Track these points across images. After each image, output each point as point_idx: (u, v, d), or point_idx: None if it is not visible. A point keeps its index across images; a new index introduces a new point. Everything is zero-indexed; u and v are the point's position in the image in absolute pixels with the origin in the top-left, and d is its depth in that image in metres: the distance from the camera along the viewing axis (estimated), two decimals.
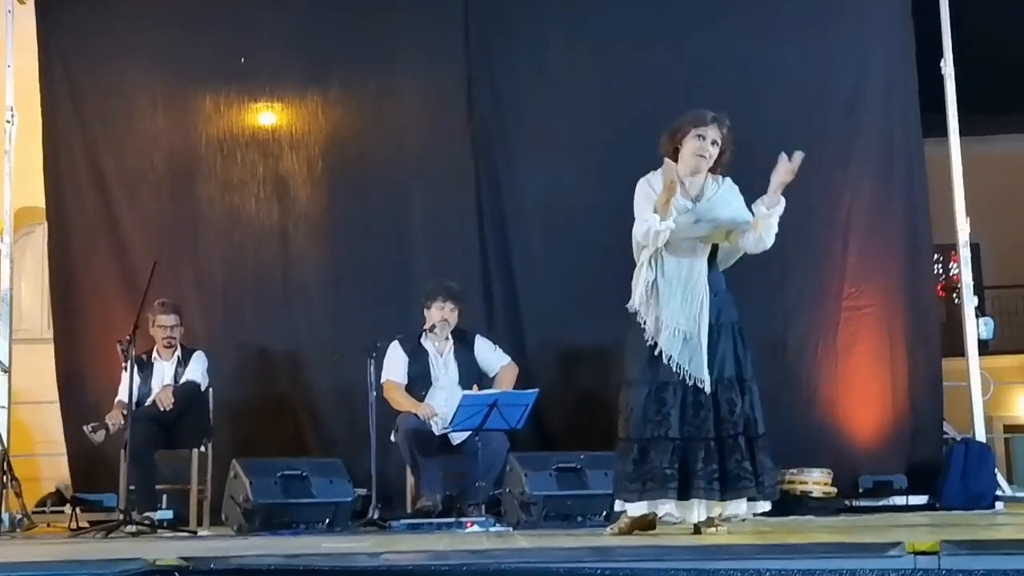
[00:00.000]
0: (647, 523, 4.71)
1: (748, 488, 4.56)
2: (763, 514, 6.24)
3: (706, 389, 4.58)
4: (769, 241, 4.76)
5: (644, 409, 4.60)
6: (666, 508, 4.59)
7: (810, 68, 7.75)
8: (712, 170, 4.82)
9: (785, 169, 4.74)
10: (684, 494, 4.55)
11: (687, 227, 4.67)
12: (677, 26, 7.77)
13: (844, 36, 7.78)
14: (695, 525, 4.63)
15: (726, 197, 4.79)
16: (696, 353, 4.59)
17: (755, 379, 4.73)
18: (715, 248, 4.80)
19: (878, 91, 7.70)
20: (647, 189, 4.75)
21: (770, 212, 4.72)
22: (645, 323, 4.65)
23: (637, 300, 4.67)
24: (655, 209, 4.61)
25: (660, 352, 4.60)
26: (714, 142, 4.77)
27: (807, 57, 7.76)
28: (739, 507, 4.61)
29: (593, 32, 7.72)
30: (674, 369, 4.58)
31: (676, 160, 4.80)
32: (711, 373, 4.59)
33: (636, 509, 4.64)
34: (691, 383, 4.58)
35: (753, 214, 4.76)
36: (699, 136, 4.76)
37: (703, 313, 4.63)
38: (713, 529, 4.58)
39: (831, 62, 7.77)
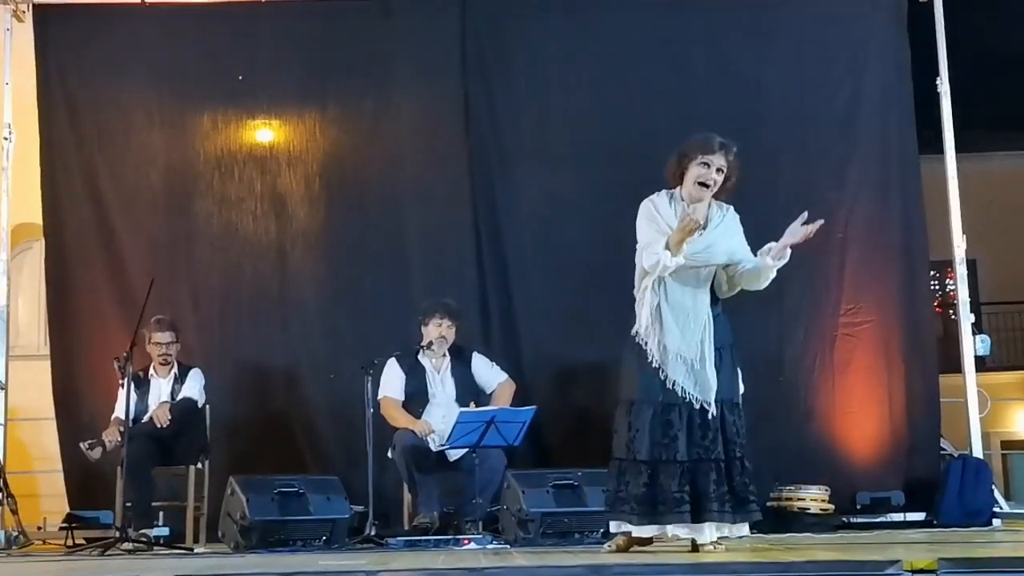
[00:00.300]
0: (644, 540, 4.71)
1: (755, 510, 4.63)
2: (758, 531, 6.31)
3: (712, 412, 4.59)
4: (764, 285, 4.79)
5: (651, 430, 4.60)
6: (677, 531, 4.60)
7: (807, 85, 7.77)
8: (716, 196, 4.81)
9: (801, 232, 4.74)
10: (697, 517, 4.55)
11: (690, 255, 4.67)
12: (673, 43, 7.79)
13: (840, 54, 7.81)
14: (692, 542, 4.62)
15: (730, 228, 4.81)
16: (702, 377, 4.61)
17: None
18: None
19: (874, 108, 7.72)
20: (651, 211, 4.75)
21: (775, 264, 4.72)
22: (647, 346, 4.66)
23: (643, 327, 4.68)
24: (667, 244, 4.62)
25: (663, 375, 4.62)
26: (719, 169, 4.76)
27: (804, 74, 7.78)
28: (743, 528, 4.65)
29: (589, 50, 7.74)
30: (679, 393, 4.60)
31: (681, 183, 4.80)
32: (717, 395, 4.62)
33: (643, 531, 4.63)
34: (697, 406, 4.60)
35: (755, 255, 4.76)
36: (704, 164, 4.75)
37: (707, 339, 4.65)
38: (711, 547, 4.58)
39: (828, 79, 7.78)
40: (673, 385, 4.60)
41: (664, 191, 4.86)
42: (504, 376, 6.70)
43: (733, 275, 4.80)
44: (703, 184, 4.73)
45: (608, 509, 4.79)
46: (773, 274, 4.76)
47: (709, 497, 4.54)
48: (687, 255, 4.65)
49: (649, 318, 4.67)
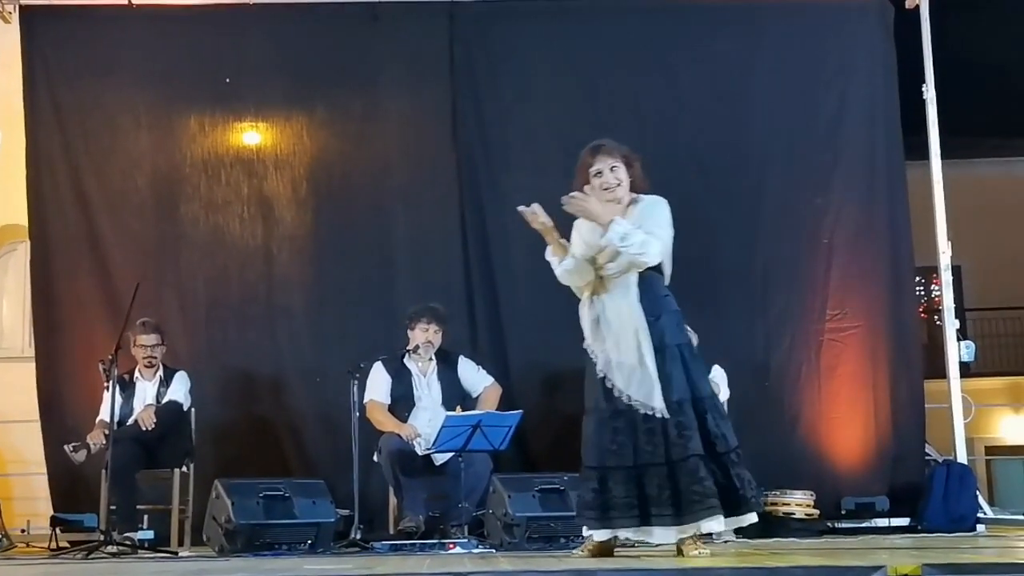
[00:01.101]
0: (611, 546, 4.76)
1: (707, 508, 4.51)
2: (744, 535, 6.31)
3: (657, 415, 4.59)
4: (629, 258, 4.65)
5: (599, 438, 4.66)
6: (626, 534, 4.65)
7: (793, 91, 7.80)
8: (635, 188, 4.79)
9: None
10: (645, 520, 4.59)
11: (609, 256, 4.67)
12: (661, 50, 7.83)
13: (827, 60, 7.85)
14: (677, 546, 4.61)
15: (640, 216, 4.71)
16: (644, 382, 4.60)
17: (714, 395, 4.78)
18: (649, 275, 4.74)
19: (860, 115, 7.76)
20: (580, 222, 4.79)
21: (608, 241, 4.63)
22: (594, 356, 4.71)
23: (588, 338, 4.75)
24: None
25: (610, 384, 4.66)
26: (612, 168, 4.76)
27: (789, 81, 7.81)
28: (712, 525, 4.56)
29: (577, 55, 7.76)
30: (624, 400, 4.62)
31: None
32: (664, 397, 4.59)
33: (600, 535, 4.69)
34: (642, 411, 4.60)
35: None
36: (598, 173, 4.76)
37: (643, 344, 4.62)
38: (696, 552, 4.55)
39: (814, 85, 7.82)
40: (619, 394, 4.63)
41: None
42: (490, 380, 6.70)
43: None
44: (607, 189, 4.73)
45: (576, 514, 4.87)
46: (622, 251, 4.63)
47: (652, 501, 4.56)
48: (607, 268, 4.68)
49: (590, 330, 4.72)
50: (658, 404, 4.57)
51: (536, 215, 4.80)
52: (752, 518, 4.65)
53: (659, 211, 4.74)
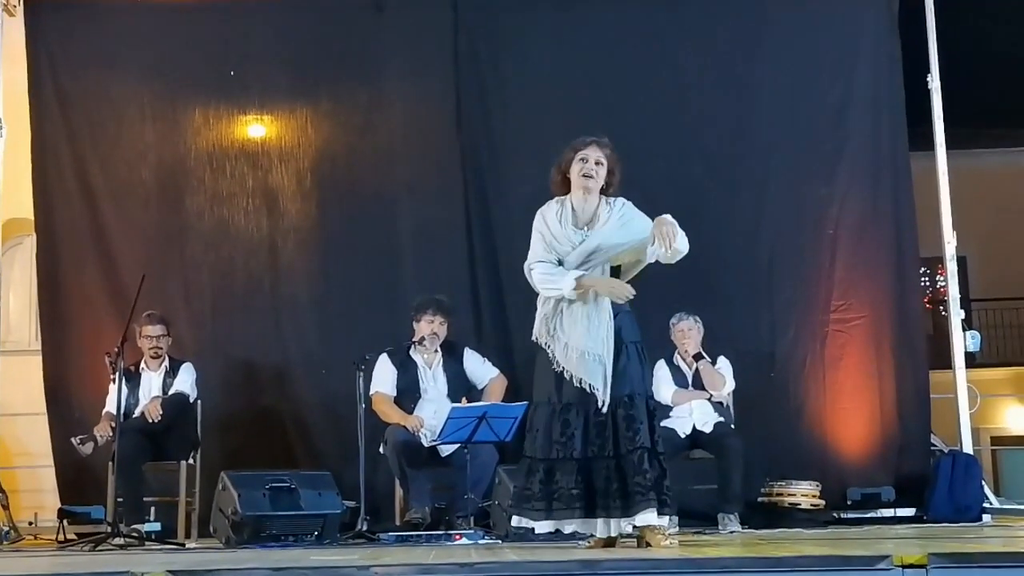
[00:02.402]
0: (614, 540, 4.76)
1: (646, 500, 4.60)
2: (751, 526, 6.33)
3: (604, 409, 4.67)
4: (681, 254, 4.80)
5: (549, 430, 4.72)
6: (572, 527, 4.70)
7: (797, 81, 7.79)
8: (604, 192, 4.89)
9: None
10: (590, 512, 4.66)
11: (582, 256, 4.78)
12: (665, 39, 7.81)
13: (831, 50, 7.83)
14: (641, 538, 4.67)
15: (623, 219, 4.84)
16: (600, 374, 4.69)
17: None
18: (615, 269, 4.88)
19: (865, 105, 7.74)
20: (540, 223, 4.88)
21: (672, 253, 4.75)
22: (551, 349, 4.77)
23: (539, 331, 4.82)
24: (559, 261, 4.78)
25: (568, 375, 4.72)
26: (598, 162, 4.86)
27: (794, 70, 7.80)
28: (647, 518, 4.61)
29: (581, 44, 7.75)
30: (587, 390, 4.68)
31: (569, 189, 4.90)
32: (613, 392, 4.69)
33: (542, 527, 4.73)
34: (593, 405, 4.68)
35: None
36: (582, 159, 4.87)
37: (609, 336, 4.73)
38: (667, 543, 4.62)
39: (818, 76, 7.81)
40: (580, 383, 4.69)
41: (555, 199, 4.94)
42: (496, 372, 6.71)
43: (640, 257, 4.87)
44: (587, 176, 4.83)
45: (512, 505, 4.87)
46: (682, 249, 4.79)
47: (599, 493, 4.64)
48: (578, 264, 4.77)
49: (550, 323, 4.79)
50: (607, 398, 4.67)
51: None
52: (665, 520, 4.68)
53: (636, 212, 4.87)
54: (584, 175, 4.84)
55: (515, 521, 4.80)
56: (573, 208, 4.87)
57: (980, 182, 13.43)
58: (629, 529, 4.67)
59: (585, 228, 4.84)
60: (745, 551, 4.40)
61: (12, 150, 7.46)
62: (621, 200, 4.89)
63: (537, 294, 4.97)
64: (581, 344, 4.72)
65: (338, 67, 7.76)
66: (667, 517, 4.69)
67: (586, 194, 4.86)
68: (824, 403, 7.49)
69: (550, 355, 4.78)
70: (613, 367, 4.70)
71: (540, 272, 4.84)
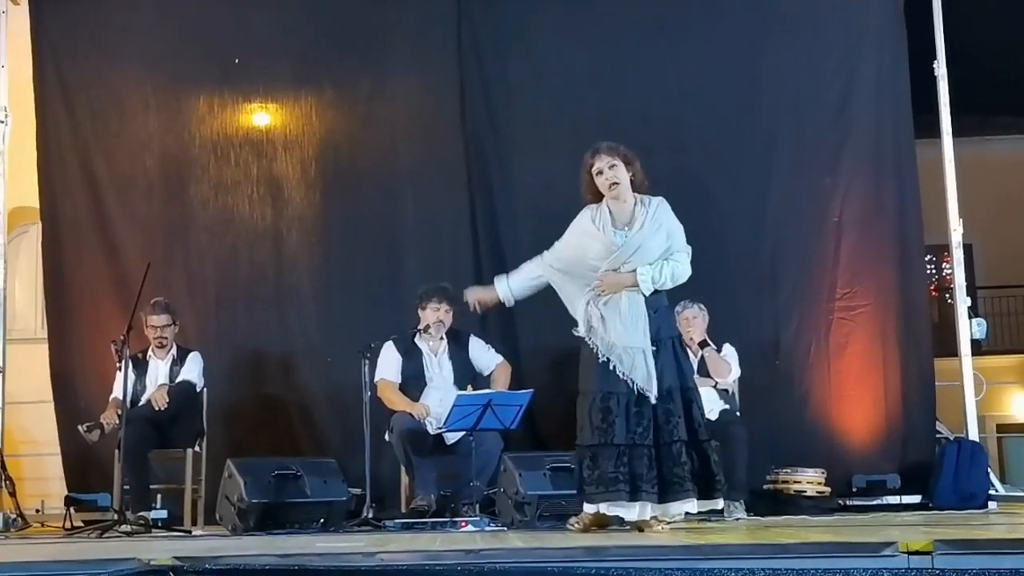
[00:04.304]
0: (602, 520, 5.02)
1: (685, 491, 4.87)
2: (756, 513, 6.34)
3: (651, 399, 4.90)
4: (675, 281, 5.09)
5: (591, 417, 4.96)
6: (617, 510, 4.92)
7: (802, 69, 7.76)
8: (637, 189, 5.09)
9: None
10: (634, 496, 4.87)
11: (626, 255, 5.00)
12: (668, 29, 7.78)
13: (836, 38, 7.80)
14: (637, 525, 4.90)
15: (657, 221, 5.05)
16: (643, 367, 4.91)
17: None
18: None
19: (870, 92, 7.72)
20: (588, 224, 5.12)
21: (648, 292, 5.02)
22: (592, 342, 5.00)
23: (583, 328, 5.04)
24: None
25: (612, 366, 4.94)
26: (611, 166, 5.06)
27: (799, 58, 7.77)
28: (681, 507, 4.90)
29: (585, 35, 7.73)
30: (628, 383, 4.90)
31: (601, 199, 5.13)
32: (657, 386, 4.91)
33: (591, 509, 4.97)
34: (635, 394, 4.90)
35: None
36: (598, 172, 5.08)
37: (646, 333, 4.95)
38: (659, 528, 4.86)
39: (823, 63, 7.78)
40: (622, 374, 4.91)
41: (588, 207, 5.19)
42: (500, 358, 6.71)
43: None
44: (612, 185, 5.05)
45: (577, 491, 5.10)
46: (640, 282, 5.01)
47: (643, 478, 4.86)
48: (612, 264, 5.02)
49: (589, 320, 5.02)
50: (653, 390, 4.90)
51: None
52: (720, 503, 5.05)
53: (669, 213, 5.09)
54: (609, 184, 5.05)
55: (585, 506, 5.00)
56: (610, 212, 5.08)
57: (986, 170, 13.42)
58: (674, 513, 4.91)
59: (625, 229, 5.04)
60: (750, 538, 4.41)
61: (17, 139, 7.46)
62: (656, 201, 5.10)
63: (547, 285, 5.30)
64: (620, 339, 4.93)
65: (342, 56, 7.75)
66: (721, 501, 5.01)
67: (618, 199, 5.07)
68: (829, 391, 7.49)
69: (593, 347, 4.98)
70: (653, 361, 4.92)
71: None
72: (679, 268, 5.04)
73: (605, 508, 4.91)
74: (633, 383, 4.88)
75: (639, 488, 4.84)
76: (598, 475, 4.88)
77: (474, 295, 5.42)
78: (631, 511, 4.88)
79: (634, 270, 4.99)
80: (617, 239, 5.00)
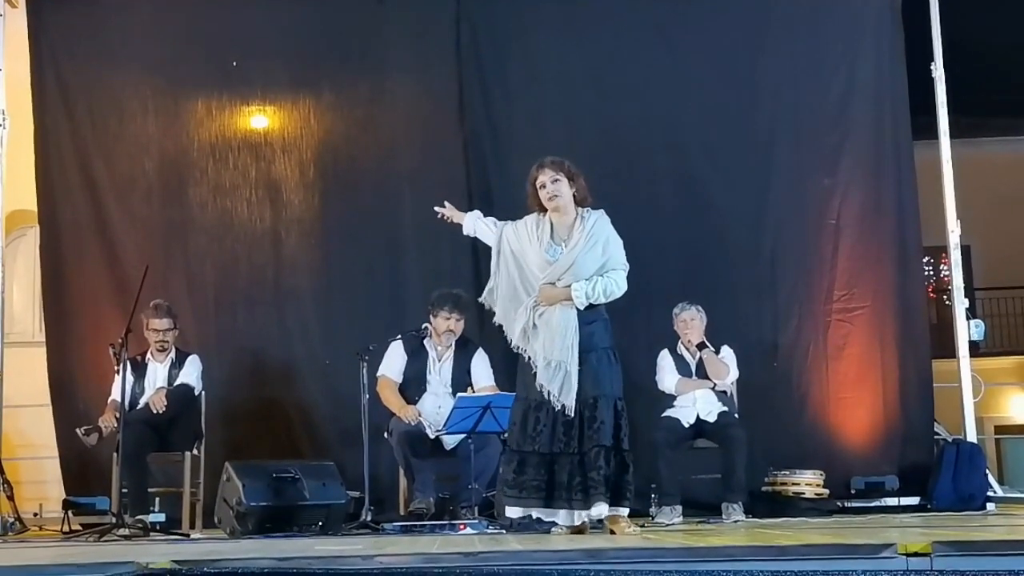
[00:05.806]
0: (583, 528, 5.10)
1: (599, 494, 4.96)
2: (755, 515, 6.34)
3: (569, 413, 5.01)
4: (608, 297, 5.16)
5: (523, 425, 5.12)
6: (537, 514, 5.09)
7: (800, 70, 7.78)
8: (580, 203, 5.19)
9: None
10: (548, 503, 5.05)
11: (561, 270, 5.11)
12: (668, 31, 7.80)
13: (834, 39, 7.81)
14: (608, 526, 5.04)
15: (593, 238, 5.14)
16: (566, 381, 5.03)
17: (624, 397, 5.16)
18: None
19: (868, 93, 7.73)
20: (533, 229, 5.24)
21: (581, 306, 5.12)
22: (525, 353, 5.15)
23: (516, 339, 5.18)
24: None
25: (537, 379, 5.07)
26: (555, 181, 5.16)
27: (797, 60, 7.79)
28: (600, 510, 4.99)
29: (584, 37, 7.74)
30: (546, 396, 5.03)
31: (546, 211, 5.23)
32: (579, 395, 5.03)
33: (512, 512, 5.12)
34: (558, 406, 5.03)
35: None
36: (541, 186, 5.20)
37: (574, 346, 5.06)
38: (630, 529, 5.01)
39: (821, 64, 7.79)
40: (539, 387, 5.05)
41: (533, 214, 5.28)
42: (492, 383, 6.56)
43: None
44: (551, 198, 5.15)
45: (497, 491, 5.37)
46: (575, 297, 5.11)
47: (561, 486, 5.03)
48: (549, 278, 5.13)
49: (522, 332, 5.15)
50: (569, 403, 5.02)
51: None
52: (625, 511, 5.10)
53: (607, 228, 5.19)
54: (548, 198, 5.16)
55: (499, 507, 5.24)
56: (552, 224, 5.20)
57: (984, 171, 13.42)
58: (594, 515, 5.01)
59: (562, 244, 5.16)
60: (749, 540, 4.41)
61: (15, 142, 7.46)
62: (596, 215, 5.20)
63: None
64: (546, 352, 5.06)
65: (341, 59, 7.75)
66: (626, 509, 5.09)
67: (559, 213, 5.18)
68: (827, 392, 7.50)
69: (526, 358, 5.14)
70: (580, 371, 5.02)
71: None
72: (611, 285, 5.12)
73: (527, 512, 5.07)
74: (549, 394, 5.01)
75: (557, 496, 5.02)
76: (523, 480, 5.06)
77: (449, 210, 5.59)
78: (552, 516, 5.05)
79: (569, 285, 5.10)
80: (550, 255, 5.13)
